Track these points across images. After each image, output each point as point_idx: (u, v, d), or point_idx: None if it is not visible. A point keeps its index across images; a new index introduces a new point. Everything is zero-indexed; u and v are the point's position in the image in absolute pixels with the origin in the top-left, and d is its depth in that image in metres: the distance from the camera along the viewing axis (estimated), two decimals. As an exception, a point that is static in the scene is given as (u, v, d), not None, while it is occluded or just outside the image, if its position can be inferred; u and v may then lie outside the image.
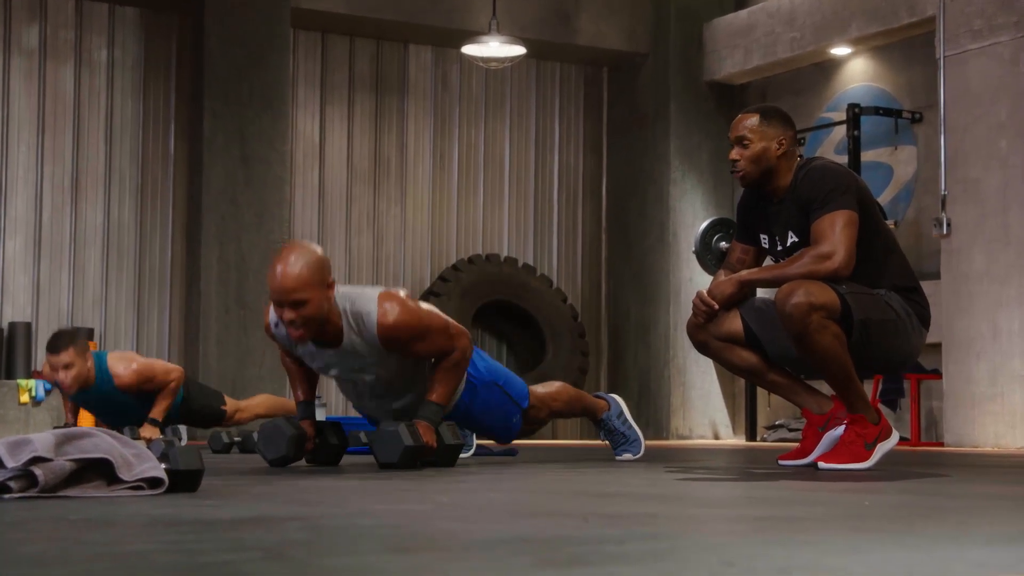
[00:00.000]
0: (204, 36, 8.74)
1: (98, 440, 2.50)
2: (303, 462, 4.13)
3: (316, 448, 4.09)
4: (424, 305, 3.93)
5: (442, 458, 3.89)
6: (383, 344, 3.81)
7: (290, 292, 3.63)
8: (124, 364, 5.97)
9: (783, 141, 3.97)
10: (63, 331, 6.08)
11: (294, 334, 3.71)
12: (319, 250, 3.74)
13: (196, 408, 6.29)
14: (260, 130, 8.77)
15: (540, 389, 4.49)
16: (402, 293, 3.89)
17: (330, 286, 3.73)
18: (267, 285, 3.71)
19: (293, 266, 3.64)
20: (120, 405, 5.99)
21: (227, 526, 1.93)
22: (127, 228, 8.91)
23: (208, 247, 8.64)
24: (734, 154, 4.01)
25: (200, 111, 8.74)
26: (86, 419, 7.37)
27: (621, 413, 4.60)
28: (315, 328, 3.72)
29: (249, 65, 8.77)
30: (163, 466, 2.55)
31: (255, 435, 5.64)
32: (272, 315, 3.88)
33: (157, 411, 5.95)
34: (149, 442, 5.64)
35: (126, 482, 2.49)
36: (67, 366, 5.77)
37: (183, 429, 6.54)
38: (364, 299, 3.81)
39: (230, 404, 6.41)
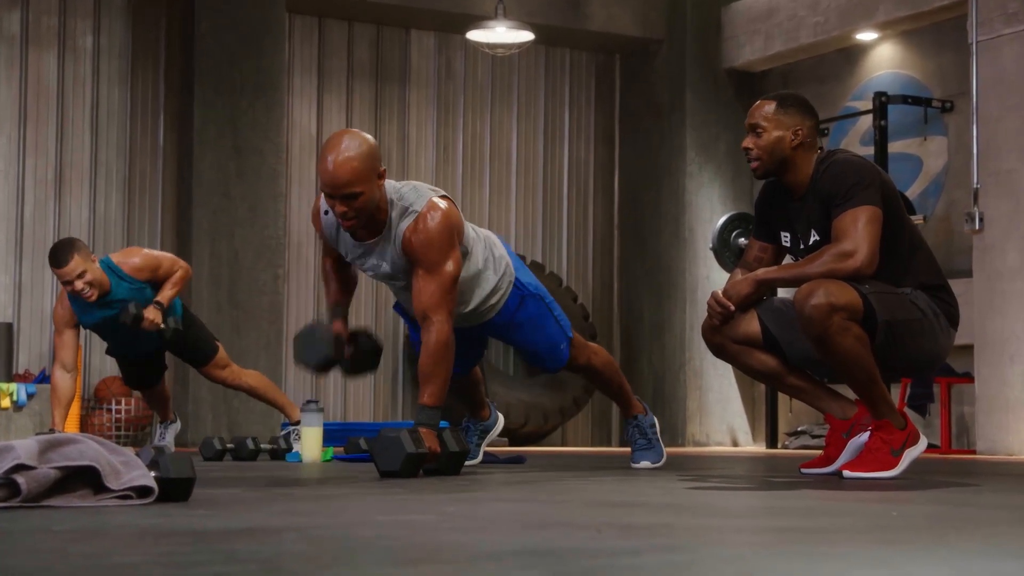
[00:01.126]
0: (194, 21, 8.75)
1: (84, 447, 2.51)
2: (339, 368, 4.16)
3: (351, 354, 4.11)
4: (451, 243, 3.91)
5: (446, 466, 3.90)
6: (404, 250, 3.92)
7: (343, 186, 3.77)
8: (130, 255, 6.00)
9: (799, 131, 3.97)
10: (59, 243, 6.07)
11: (345, 224, 3.86)
12: (370, 138, 3.87)
13: (192, 338, 6.23)
14: (254, 120, 8.78)
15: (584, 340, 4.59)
16: (443, 204, 3.91)
17: (381, 175, 3.85)
18: (318, 175, 3.89)
19: (346, 158, 3.76)
20: (142, 300, 5.97)
21: (220, 537, 1.93)
22: (114, 223, 8.93)
23: (199, 243, 8.65)
24: (747, 142, 4.01)
25: (190, 100, 8.75)
26: (72, 426, 7.38)
27: (654, 425, 4.68)
28: (365, 219, 3.86)
29: (242, 51, 8.78)
30: (153, 474, 2.55)
31: (249, 442, 5.66)
32: (323, 202, 3.98)
33: (164, 296, 5.92)
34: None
35: (114, 491, 2.49)
36: (81, 274, 5.78)
37: (170, 435, 6.54)
38: (415, 195, 3.91)
39: (223, 357, 6.38)
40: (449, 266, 3.90)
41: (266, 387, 6.43)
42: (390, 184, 3.94)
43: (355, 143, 3.80)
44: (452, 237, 3.93)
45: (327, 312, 4.23)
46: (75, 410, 7.81)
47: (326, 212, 4.02)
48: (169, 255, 6.19)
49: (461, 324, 4.24)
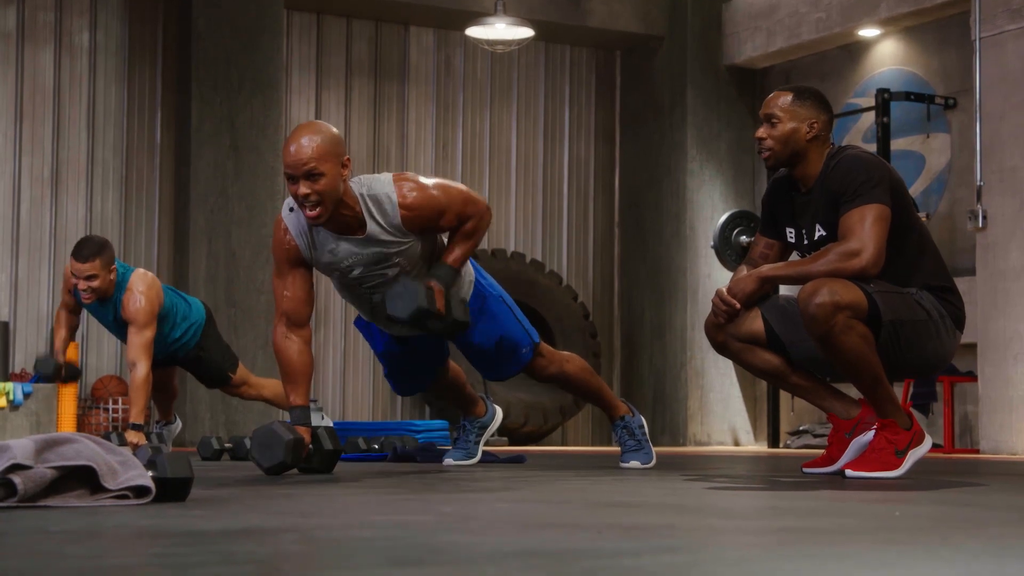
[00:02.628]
0: (192, 18, 8.74)
1: (81, 446, 2.51)
2: (296, 471, 4.14)
3: (310, 454, 4.09)
4: (437, 181, 4.09)
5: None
6: (406, 225, 3.95)
7: (305, 163, 3.77)
8: (142, 290, 5.98)
9: (815, 124, 3.97)
10: (91, 238, 6.13)
11: (310, 214, 3.83)
12: (334, 129, 3.91)
13: (206, 359, 6.26)
14: (251, 117, 8.78)
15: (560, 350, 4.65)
16: (410, 174, 4.06)
17: (345, 164, 3.87)
18: (282, 160, 3.86)
19: (309, 138, 3.80)
20: (122, 330, 6.03)
21: (217, 538, 1.93)
22: (110, 222, 8.93)
23: (196, 242, 8.64)
24: (761, 132, 4.01)
25: (187, 98, 8.75)
26: (68, 425, 7.38)
27: (642, 426, 4.65)
28: (330, 207, 3.84)
29: (239, 48, 8.77)
30: (150, 474, 2.55)
31: (247, 441, 5.66)
32: (286, 208, 3.98)
33: (135, 413, 5.93)
34: (136, 448, 5.67)
35: (111, 491, 2.49)
36: (89, 277, 5.85)
37: (167, 434, 6.55)
38: (379, 183, 3.97)
39: (240, 373, 6.41)
40: (454, 190, 4.06)
41: (280, 395, 6.47)
42: (355, 182, 3.96)
43: (319, 128, 3.86)
44: (434, 184, 4.04)
45: (291, 414, 4.04)
46: (72, 409, 7.80)
47: (292, 209, 3.97)
48: (151, 329, 6.04)
49: (423, 330, 4.24)
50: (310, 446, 4.09)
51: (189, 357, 6.29)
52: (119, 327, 6.09)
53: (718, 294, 4.06)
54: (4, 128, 8.71)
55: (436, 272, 4.02)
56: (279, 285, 4.04)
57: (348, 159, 3.88)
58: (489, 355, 4.41)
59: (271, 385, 6.51)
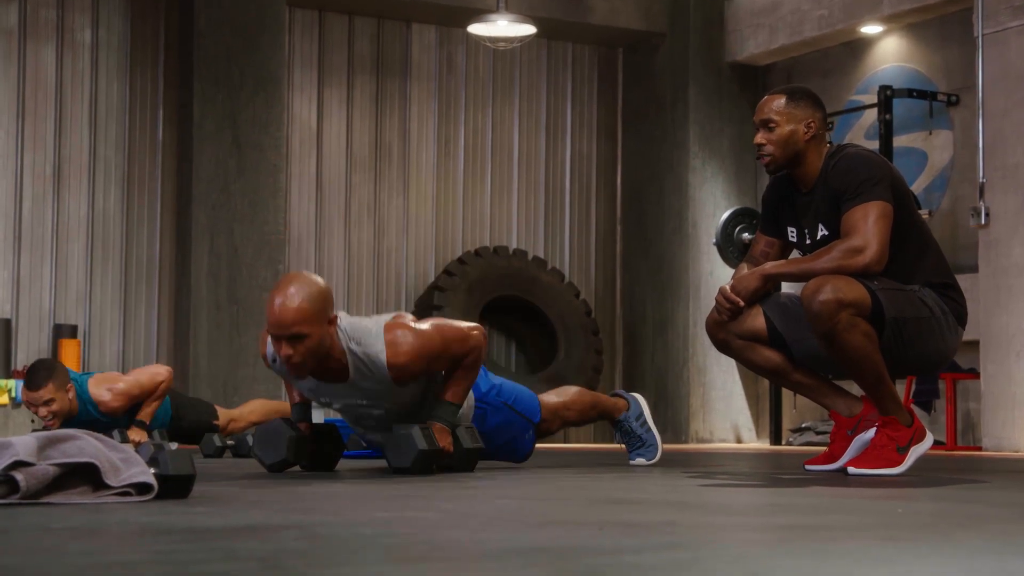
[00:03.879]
0: (194, 15, 8.74)
1: (83, 443, 2.51)
2: (298, 468, 4.14)
3: (312, 453, 4.09)
4: (431, 322, 3.93)
5: (460, 463, 3.90)
6: (395, 381, 3.83)
7: (288, 326, 3.62)
8: (108, 388, 6.03)
9: (812, 123, 3.97)
10: (41, 364, 6.16)
11: (292, 370, 3.73)
12: (321, 282, 3.73)
13: (186, 426, 6.37)
14: (253, 115, 8.78)
15: (553, 398, 4.51)
16: (407, 318, 3.89)
17: (331, 321, 3.73)
18: (265, 316, 3.71)
19: (292, 298, 3.63)
20: (107, 426, 6.05)
21: (220, 535, 1.93)
22: (112, 219, 8.93)
23: (198, 239, 8.64)
24: (759, 138, 4.00)
25: (189, 95, 8.75)
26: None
27: (640, 415, 4.60)
28: (314, 363, 3.73)
29: (241, 46, 8.77)
30: (152, 471, 2.55)
31: (249, 438, 5.66)
32: (270, 347, 3.89)
33: (145, 413, 5.99)
34: (137, 445, 5.68)
35: (113, 488, 2.49)
36: (47, 402, 5.87)
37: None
38: (369, 338, 3.79)
39: (222, 416, 6.48)
40: (450, 332, 3.88)
41: (268, 411, 6.52)
42: (341, 327, 3.79)
43: (304, 284, 3.67)
44: (427, 332, 3.84)
45: (292, 411, 4.07)
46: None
47: (274, 359, 3.90)
48: (148, 374, 6.11)
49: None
50: (312, 443, 4.09)
51: (171, 429, 6.35)
52: (105, 426, 6.06)
53: (721, 291, 4.06)
54: (6, 125, 8.71)
55: (437, 413, 3.88)
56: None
57: (334, 316, 3.73)
58: (498, 451, 4.37)
59: (256, 407, 6.58)
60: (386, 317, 3.90)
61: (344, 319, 3.82)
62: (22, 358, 8.53)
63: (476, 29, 8.86)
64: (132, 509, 2.36)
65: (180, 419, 6.32)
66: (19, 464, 2.41)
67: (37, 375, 5.91)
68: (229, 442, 5.74)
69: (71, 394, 5.93)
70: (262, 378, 8.54)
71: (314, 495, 2.99)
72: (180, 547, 1.75)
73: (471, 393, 4.19)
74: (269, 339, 3.80)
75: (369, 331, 3.81)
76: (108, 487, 2.49)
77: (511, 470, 4.20)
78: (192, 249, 8.62)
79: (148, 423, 6.03)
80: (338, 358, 3.78)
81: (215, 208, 8.67)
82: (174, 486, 2.59)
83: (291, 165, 9.27)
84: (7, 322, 8.39)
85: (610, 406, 4.61)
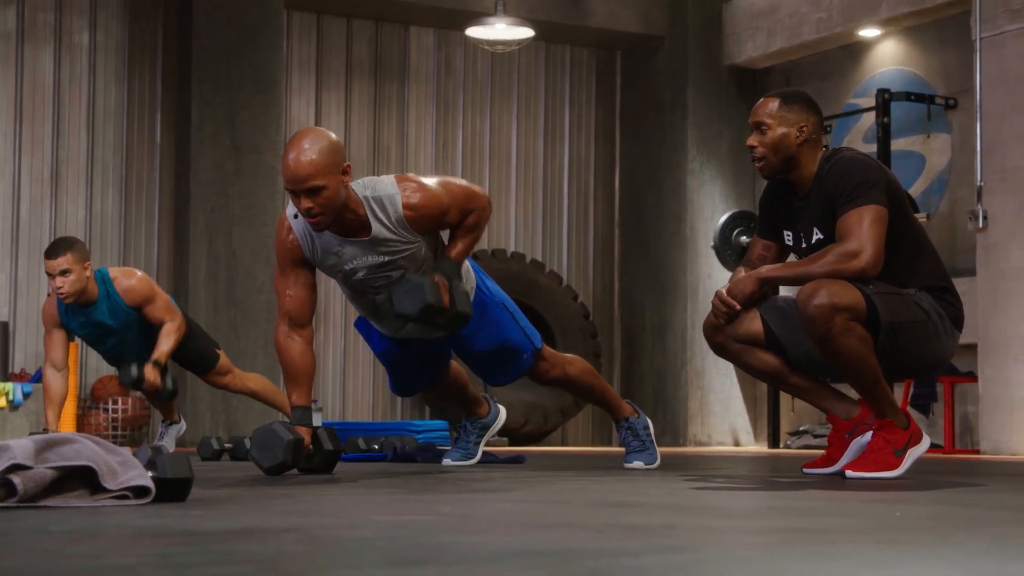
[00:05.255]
0: (192, 17, 8.74)
1: (81, 447, 2.51)
2: (296, 471, 4.14)
3: (310, 455, 4.09)
4: (438, 179, 4.10)
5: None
6: (412, 225, 3.95)
7: (304, 180, 3.76)
8: (128, 275, 6.04)
9: (805, 127, 3.97)
10: (62, 237, 6.17)
11: (312, 222, 3.84)
12: (332, 135, 3.88)
13: (191, 349, 6.28)
14: (251, 117, 8.78)
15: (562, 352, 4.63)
16: (411, 175, 4.08)
17: (346, 171, 3.85)
18: (280, 173, 3.84)
19: (307, 152, 3.77)
20: (125, 323, 5.99)
21: (217, 538, 1.93)
22: (110, 222, 8.93)
23: (196, 242, 8.64)
24: (751, 140, 4.01)
25: (188, 97, 8.75)
26: (68, 425, 7.37)
27: (648, 427, 4.63)
28: (332, 215, 3.85)
29: (240, 48, 8.77)
30: (150, 474, 2.55)
31: (247, 441, 5.66)
32: (290, 211, 4.00)
33: (160, 353, 5.93)
34: (152, 388, 5.64)
35: (111, 491, 2.49)
36: (64, 272, 5.84)
37: (171, 435, 6.55)
38: (383, 185, 3.97)
39: (224, 359, 6.41)
40: (456, 188, 4.07)
41: (268, 390, 6.47)
42: (357, 184, 3.95)
43: (316, 138, 3.82)
44: (437, 183, 4.04)
45: (292, 414, 4.05)
46: (71, 410, 7.81)
47: (295, 216, 3.98)
48: (166, 296, 6.12)
49: (422, 335, 4.24)
50: (310, 447, 4.09)
51: (179, 347, 6.24)
52: (113, 331, 6.03)
53: (717, 295, 4.06)
54: (4, 128, 8.71)
55: (440, 267, 4.04)
56: (282, 284, 4.06)
57: (348, 165, 3.86)
58: (490, 361, 4.41)
59: (254, 378, 6.55)
60: (392, 174, 4.10)
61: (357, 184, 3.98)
62: (20, 361, 8.53)
63: (474, 32, 8.86)
64: (130, 512, 2.35)
65: (189, 338, 6.24)
66: (16, 467, 2.41)
67: (57, 246, 5.93)
68: (227, 445, 5.73)
69: (88, 272, 5.92)
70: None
71: (312, 498, 2.99)
72: (178, 550, 1.75)
73: (475, 279, 4.31)
74: (287, 210, 3.97)
75: (381, 180, 4.00)
76: (106, 490, 2.49)
77: (509, 472, 4.20)
78: (190, 252, 8.62)
79: (163, 363, 5.94)
80: (354, 208, 3.90)
81: (213, 211, 8.67)
82: (172, 489, 2.58)
83: (289, 168, 9.25)
84: (5, 325, 8.39)
85: (616, 400, 4.65)
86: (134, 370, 5.90)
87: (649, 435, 4.61)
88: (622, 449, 4.70)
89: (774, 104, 4.00)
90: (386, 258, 4.01)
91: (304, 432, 4.01)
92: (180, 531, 2.02)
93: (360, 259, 4.02)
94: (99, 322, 6.02)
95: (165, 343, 5.96)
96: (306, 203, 3.79)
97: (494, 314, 4.32)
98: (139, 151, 9.04)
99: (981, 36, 7.75)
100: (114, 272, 6.09)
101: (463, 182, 4.15)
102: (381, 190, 3.94)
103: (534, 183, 10.14)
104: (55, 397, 6.00)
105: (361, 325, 4.49)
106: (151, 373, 5.89)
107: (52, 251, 5.92)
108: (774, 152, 3.97)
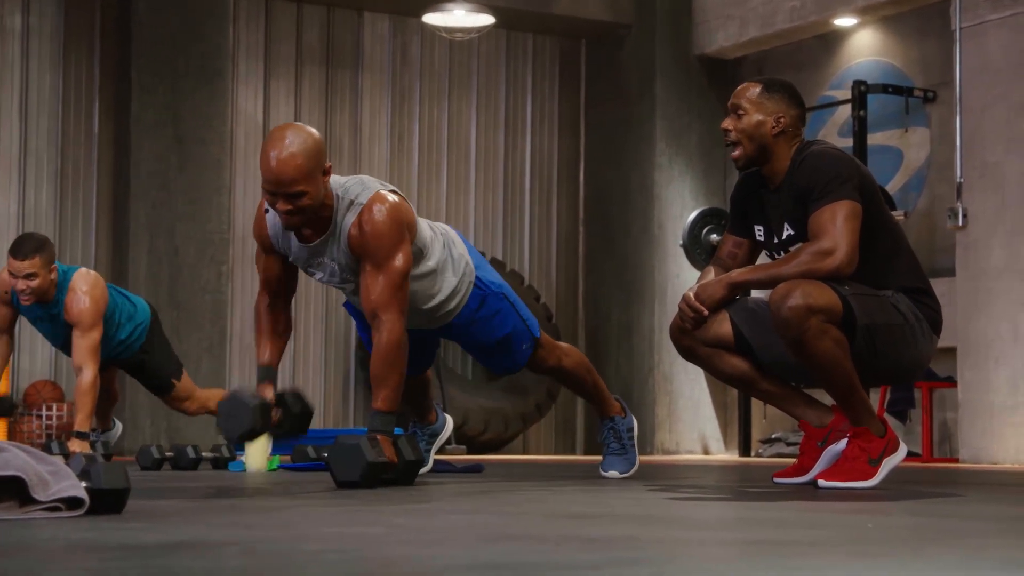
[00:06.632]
0: (132, 1, 8.70)
1: (9, 456, 2.49)
2: (267, 435, 4.14)
3: (280, 421, 4.06)
4: (418, 230, 4.02)
5: (401, 475, 3.90)
6: (351, 248, 3.90)
7: (288, 184, 3.74)
8: (89, 291, 5.92)
9: (782, 119, 3.98)
10: (32, 235, 6.08)
11: (287, 223, 3.84)
12: (315, 132, 3.85)
13: (149, 363, 6.24)
14: (195, 107, 8.74)
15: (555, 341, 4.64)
16: (392, 197, 3.91)
17: (327, 172, 3.83)
18: (259, 170, 3.80)
19: (290, 154, 3.73)
20: (67, 327, 5.96)
21: (155, 551, 1.92)
22: (44, 217, 8.86)
23: (136, 239, 8.60)
24: (727, 123, 4.02)
25: (128, 86, 8.70)
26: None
27: (632, 430, 4.69)
28: (308, 217, 3.84)
29: (183, 34, 8.73)
30: (83, 485, 2.54)
31: (189, 450, 5.64)
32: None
33: (80, 423, 5.90)
34: (68, 459, 5.60)
35: (41, 503, 2.48)
36: (29, 275, 5.79)
37: (107, 440, 6.50)
38: (365, 193, 3.88)
39: (185, 383, 6.38)
40: (398, 261, 3.86)
41: None
42: (335, 179, 3.92)
43: (299, 138, 3.76)
44: (401, 230, 3.90)
45: (257, 372, 4.09)
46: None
47: (267, 210, 3.98)
48: (96, 338, 5.93)
49: (417, 326, 4.24)
50: (278, 409, 4.04)
51: (133, 360, 6.26)
52: (61, 332, 6.02)
53: (685, 299, 4.06)
54: (-69, 117, 8.64)
55: (372, 424, 3.86)
56: (259, 263, 4.15)
57: (329, 166, 3.83)
58: (490, 351, 4.47)
59: (217, 397, 6.49)
60: (383, 187, 3.96)
61: (338, 177, 3.94)
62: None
63: (432, 19, 8.86)
64: (62, 525, 2.34)
65: (147, 352, 6.20)
66: (-58, 477, 2.39)
67: (26, 245, 5.84)
68: (168, 454, 5.71)
69: (53, 275, 5.87)
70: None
71: (255, 509, 2.98)
72: (113, 564, 1.75)
73: (473, 272, 4.28)
74: (265, 209, 3.94)
75: (368, 188, 3.91)
76: (36, 502, 2.47)
77: (466, 484, 4.20)
78: (130, 249, 8.57)
79: (89, 433, 5.93)
80: (329, 205, 3.87)
81: (155, 206, 8.63)
82: (107, 500, 2.57)
83: (236, 161, 9.23)
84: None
85: (608, 396, 4.69)
86: (55, 448, 5.71)
87: (631, 438, 4.65)
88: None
89: (755, 90, 4.02)
90: (338, 271, 3.99)
91: (267, 389, 3.98)
92: (115, 545, 2.01)
93: (320, 265, 4.01)
94: (51, 316, 5.99)
95: (82, 410, 5.86)
96: (284, 206, 3.76)
97: (493, 305, 4.34)
98: (75, 142, 8.98)
99: (961, 26, 7.82)
100: (78, 280, 5.96)
101: (406, 271, 3.88)
102: (357, 197, 3.89)
103: (494, 178, 10.15)
104: None
105: (350, 306, 4.48)
106: (76, 446, 5.82)
107: (19, 250, 5.82)
108: (748, 139, 3.99)
